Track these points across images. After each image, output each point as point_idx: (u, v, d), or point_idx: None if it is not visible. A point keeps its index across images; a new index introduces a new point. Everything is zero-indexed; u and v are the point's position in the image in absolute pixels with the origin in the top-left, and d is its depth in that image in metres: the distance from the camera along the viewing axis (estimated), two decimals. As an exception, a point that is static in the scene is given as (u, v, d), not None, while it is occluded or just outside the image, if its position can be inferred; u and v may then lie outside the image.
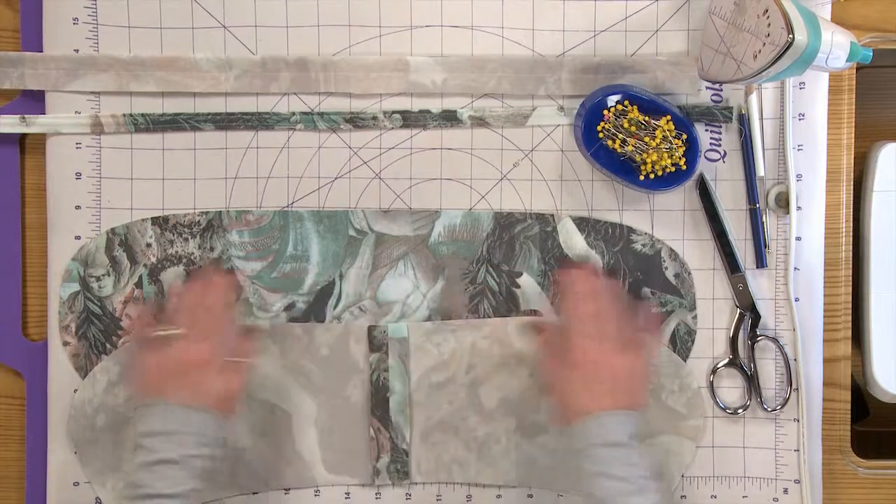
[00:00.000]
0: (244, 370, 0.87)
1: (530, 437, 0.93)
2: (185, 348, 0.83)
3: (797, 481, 0.93)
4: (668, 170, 0.88)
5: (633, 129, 0.88)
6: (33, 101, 0.92)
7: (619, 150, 0.88)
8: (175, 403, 0.80)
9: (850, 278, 0.94)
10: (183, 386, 0.81)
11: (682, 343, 0.93)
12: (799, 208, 0.92)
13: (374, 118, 0.92)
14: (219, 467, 0.83)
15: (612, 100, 0.88)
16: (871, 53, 0.82)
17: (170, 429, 0.80)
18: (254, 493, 0.94)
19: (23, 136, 0.94)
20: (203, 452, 0.81)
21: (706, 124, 0.92)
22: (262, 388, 0.93)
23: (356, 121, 0.92)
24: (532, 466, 0.93)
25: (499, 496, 0.94)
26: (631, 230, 0.93)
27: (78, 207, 0.92)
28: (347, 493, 0.94)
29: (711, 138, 0.93)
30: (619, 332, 0.85)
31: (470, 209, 0.93)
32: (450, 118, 0.92)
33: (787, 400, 0.93)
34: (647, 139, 0.88)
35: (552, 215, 0.93)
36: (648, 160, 0.87)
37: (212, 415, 0.81)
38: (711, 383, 0.93)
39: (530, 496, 0.94)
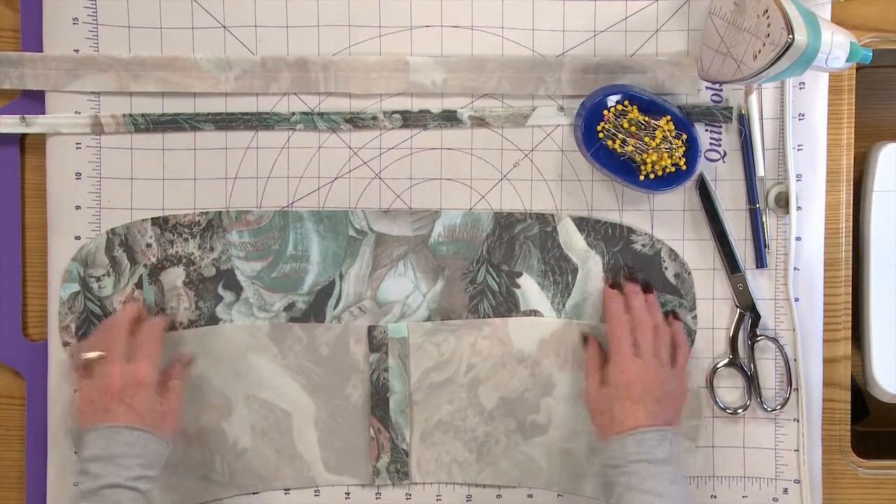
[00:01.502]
0: (178, 391, 0.87)
1: (530, 438, 0.93)
2: (121, 370, 0.84)
3: (797, 481, 0.93)
4: (668, 170, 0.88)
5: (633, 129, 0.88)
6: (33, 101, 0.92)
7: (619, 150, 0.88)
8: (120, 424, 0.81)
9: (850, 278, 0.94)
10: (126, 407, 0.82)
11: (682, 343, 0.93)
12: (799, 208, 0.92)
13: (374, 118, 0.92)
14: (154, 491, 0.83)
15: (612, 100, 0.88)
16: (871, 53, 0.82)
17: (114, 452, 0.80)
18: (253, 493, 0.94)
19: (23, 136, 0.94)
20: (147, 474, 0.81)
21: (706, 124, 0.92)
22: (262, 387, 0.93)
23: (356, 121, 0.92)
24: (532, 467, 0.93)
25: (499, 496, 0.94)
26: (631, 230, 0.93)
27: (78, 207, 0.92)
28: (347, 493, 0.94)
29: (711, 138, 0.93)
30: (656, 349, 0.87)
31: (470, 209, 0.93)
32: (450, 118, 0.92)
33: (787, 400, 0.93)
34: (647, 139, 0.88)
35: (552, 215, 0.93)
36: (648, 160, 0.87)
37: (154, 436, 0.82)
38: (711, 383, 0.93)
39: (530, 496, 0.94)
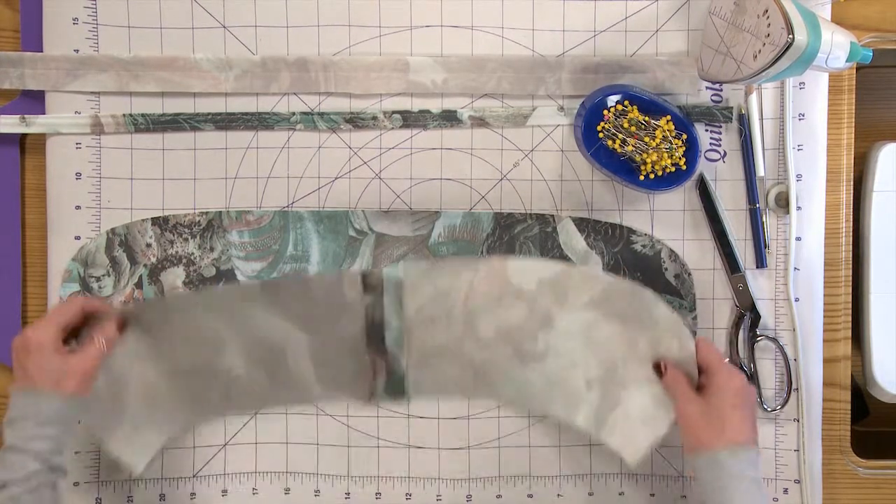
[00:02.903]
0: (91, 356, 0.84)
1: (527, 364, 0.92)
2: (22, 336, 0.83)
3: (797, 481, 0.93)
4: (668, 170, 0.88)
5: (633, 129, 0.88)
6: (33, 101, 0.92)
7: (619, 150, 0.88)
8: (15, 389, 0.82)
9: (850, 278, 0.94)
10: (20, 372, 0.82)
11: (682, 343, 0.93)
12: (799, 208, 0.92)
13: (374, 118, 0.92)
14: (67, 444, 0.83)
15: (612, 100, 0.88)
16: (871, 53, 0.82)
17: (11, 416, 0.81)
18: (251, 415, 0.93)
19: (23, 136, 0.94)
20: (43, 433, 0.80)
21: (706, 124, 0.92)
22: (257, 326, 0.91)
23: (356, 121, 0.92)
24: (529, 390, 0.92)
25: (499, 496, 0.95)
26: (631, 231, 0.93)
27: (78, 207, 0.93)
28: (347, 494, 0.94)
29: (711, 138, 0.93)
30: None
31: (470, 209, 0.93)
32: (450, 118, 0.92)
33: (787, 400, 0.93)
34: (647, 139, 0.88)
35: (552, 215, 0.93)
36: (648, 160, 0.87)
37: (46, 394, 0.81)
38: (711, 383, 0.93)
39: (530, 496, 0.94)
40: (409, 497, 0.95)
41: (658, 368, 0.89)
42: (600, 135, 0.88)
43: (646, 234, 0.93)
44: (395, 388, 0.92)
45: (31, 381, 0.82)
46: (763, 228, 0.92)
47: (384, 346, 0.91)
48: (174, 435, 0.93)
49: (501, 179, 0.93)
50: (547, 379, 0.92)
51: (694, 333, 0.93)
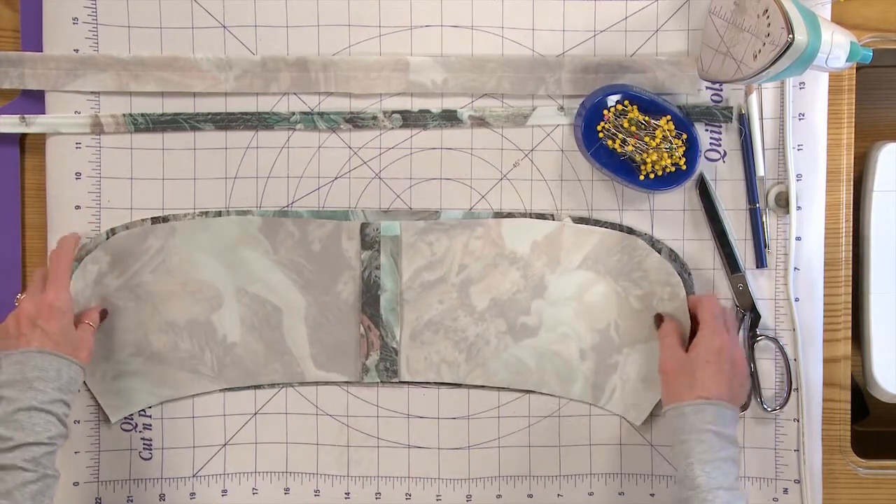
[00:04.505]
0: (90, 331, 0.87)
1: (520, 340, 0.93)
2: (33, 298, 0.84)
3: (797, 481, 0.93)
4: (668, 170, 0.88)
5: (633, 129, 0.88)
6: (33, 100, 0.92)
7: (619, 150, 0.88)
8: (33, 349, 0.81)
9: (850, 278, 0.94)
10: (39, 332, 0.82)
11: (682, 343, 0.93)
12: (799, 208, 0.92)
13: (374, 118, 0.92)
14: (69, 417, 0.83)
15: (612, 100, 0.88)
16: (871, 53, 0.82)
17: (29, 376, 0.80)
18: (241, 388, 0.93)
19: (23, 136, 0.94)
20: (63, 398, 0.81)
21: (706, 124, 0.92)
22: (253, 281, 0.92)
23: (356, 121, 0.92)
24: (521, 368, 0.93)
25: (499, 496, 0.95)
26: (631, 230, 0.93)
27: (78, 207, 0.92)
28: (347, 494, 0.94)
29: (711, 138, 0.93)
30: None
31: (470, 209, 0.93)
32: (450, 118, 0.92)
33: (787, 400, 0.93)
34: (647, 139, 0.88)
35: (552, 215, 0.93)
36: (648, 160, 0.87)
37: (68, 361, 0.82)
38: (711, 383, 0.93)
39: (530, 496, 0.94)
40: (408, 497, 0.95)
41: (657, 319, 0.91)
42: (600, 135, 0.88)
43: (646, 234, 0.93)
44: (388, 366, 0.92)
45: (52, 344, 0.82)
46: (763, 228, 0.92)
47: (378, 313, 0.91)
48: (165, 397, 0.93)
49: (501, 179, 0.93)
50: (540, 355, 0.93)
51: (692, 290, 0.93)
